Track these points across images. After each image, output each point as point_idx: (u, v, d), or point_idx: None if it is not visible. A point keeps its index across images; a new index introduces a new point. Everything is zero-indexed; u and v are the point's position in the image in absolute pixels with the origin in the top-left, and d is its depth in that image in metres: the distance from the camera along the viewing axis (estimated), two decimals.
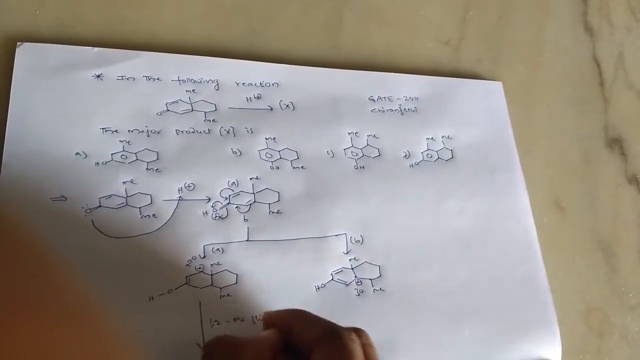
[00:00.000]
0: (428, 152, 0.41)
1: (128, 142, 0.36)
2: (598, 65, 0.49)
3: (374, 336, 0.34)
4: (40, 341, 0.16)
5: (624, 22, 0.51)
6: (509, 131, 0.43)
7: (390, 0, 0.46)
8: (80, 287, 0.19)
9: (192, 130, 0.38)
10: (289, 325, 0.29)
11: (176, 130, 0.37)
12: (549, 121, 0.45)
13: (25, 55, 0.35)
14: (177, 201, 0.35)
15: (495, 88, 0.45)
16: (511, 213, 0.40)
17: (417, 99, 0.43)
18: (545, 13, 0.49)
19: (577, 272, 0.41)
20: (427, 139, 0.42)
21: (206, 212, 0.35)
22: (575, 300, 0.40)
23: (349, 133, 0.41)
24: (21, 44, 0.36)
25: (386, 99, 0.42)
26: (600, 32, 0.50)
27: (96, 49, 0.37)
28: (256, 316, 0.32)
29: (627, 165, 0.46)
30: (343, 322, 0.33)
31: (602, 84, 0.48)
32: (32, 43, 0.36)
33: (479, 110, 0.44)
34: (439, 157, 0.41)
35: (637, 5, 0.51)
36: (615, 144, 0.46)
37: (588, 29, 0.50)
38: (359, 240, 0.37)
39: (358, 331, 0.29)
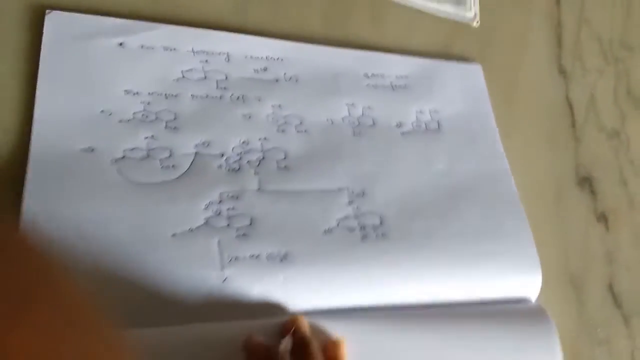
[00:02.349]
0: (417, 122, 0.46)
1: (148, 103, 0.39)
2: (570, 106, 0.50)
3: (378, 274, 0.37)
4: (43, 345, 0.16)
5: (596, 66, 0.53)
6: (488, 106, 0.48)
7: None
8: (83, 294, 0.19)
9: (205, 95, 0.41)
10: None
11: (191, 95, 0.41)
12: (522, 159, 0.46)
13: (53, 22, 0.39)
14: (193, 155, 0.38)
15: (476, 69, 0.50)
16: (493, 175, 0.44)
17: (407, 77, 0.48)
18: (521, 54, 0.51)
19: (548, 306, 0.40)
20: (416, 111, 0.46)
21: (220, 165, 0.39)
22: None
23: (346, 104, 0.45)
24: (50, 12, 0.39)
25: (379, 75, 0.47)
26: (573, 74, 0.52)
27: (119, 20, 0.41)
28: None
29: (596, 204, 0.47)
30: (350, 262, 0.37)
31: (573, 124, 0.50)
32: (60, 11, 0.39)
33: (461, 88, 0.48)
34: (427, 128, 0.46)
35: (609, 50, 0.54)
36: (586, 182, 0.48)
37: (562, 71, 0.52)
38: (360, 194, 0.40)
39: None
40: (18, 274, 0.17)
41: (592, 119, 0.50)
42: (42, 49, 0.38)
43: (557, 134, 0.49)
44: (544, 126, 0.49)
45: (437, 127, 0.46)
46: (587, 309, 0.43)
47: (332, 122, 0.43)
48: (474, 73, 0.50)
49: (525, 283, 0.40)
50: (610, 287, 0.45)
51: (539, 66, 0.52)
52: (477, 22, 0.51)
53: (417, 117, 0.46)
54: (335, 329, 0.34)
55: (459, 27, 0.51)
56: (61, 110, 0.37)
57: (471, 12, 0.51)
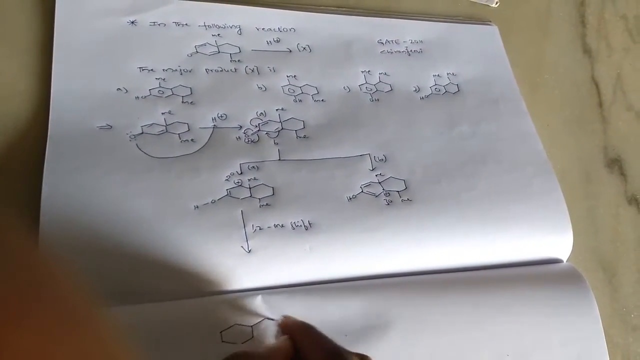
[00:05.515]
0: (436, 86, 0.45)
1: (163, 79, 0.39)
2: (597, 86, 0.49)
3: (405, 239, 0.37)
4: (42, 346, 0.16)
5: (622, 44, 0.51)
6: (508, 67, 0.47)
7: None
8: (83, 293, 0.19)
9: (220, 69, 0.41)
10: (299, 338, 0.29)
11: (206, 69, 0.40)
12: (549, 142, 0.45)
13: (65, 2, 0.38)
14: (212, 128, 0.38)
15: (492, 30, 0.49)
16: (519, 135, 0.43)
17: (421, 42, 0.47)
18: (544, 35, 0.50)
19: None
20: (434, 75, 0.45)
21: (239, 137, 0.38)
22: None
23: (362, 71, 0.44)
24: None
25: (393, 42, 0.46)
26: (598, 54, 0.50)
27: None
28: (278, 321, 0.31)
29: (626, 186, 0.46)
30: (376, 228, 0.36)
31: (600, 104, 0.48)
32: None
33: (478, 50, 0.47)
34: (446, 91, 0.45)
35: (635, 28, 0.52)
36: (615, 164, 0.46)
37: (587, 50, 0.50)
38: (382, 159, 0.40)
39: (364, 358, 0.28)
40: (17, 273, 0.17)
41: (619, 99, 0.49)
42: (55, 30, 0.38)
43: (583, 115, 0.48)
44: (570, 107, 0.48)
45: (456, 90, 0.45)
46: (620, 294, 0.41)
47: (349, 90, 0.43)
48: (490, 34, 0.48)
49: (556, 243, 0.39)
50: None
51: (562, 46, 0.50)
52: (497, 2, 0.50)
53: (435, 81, 0.45)
54: (363, 299, 0.34)
55: (476, 7, 0.50)
56: (77, 90, 0.37)
57: None
